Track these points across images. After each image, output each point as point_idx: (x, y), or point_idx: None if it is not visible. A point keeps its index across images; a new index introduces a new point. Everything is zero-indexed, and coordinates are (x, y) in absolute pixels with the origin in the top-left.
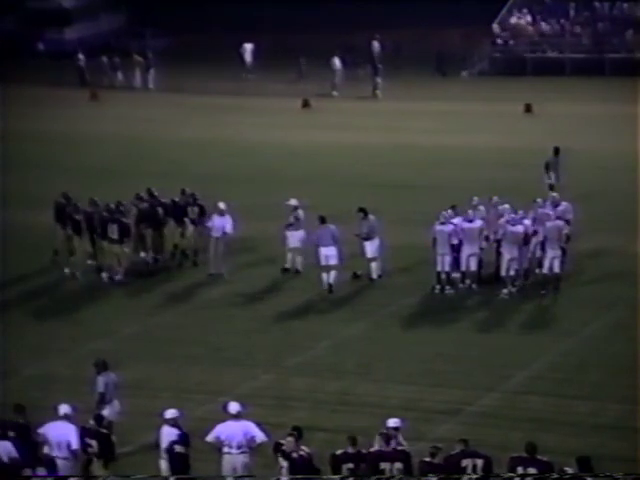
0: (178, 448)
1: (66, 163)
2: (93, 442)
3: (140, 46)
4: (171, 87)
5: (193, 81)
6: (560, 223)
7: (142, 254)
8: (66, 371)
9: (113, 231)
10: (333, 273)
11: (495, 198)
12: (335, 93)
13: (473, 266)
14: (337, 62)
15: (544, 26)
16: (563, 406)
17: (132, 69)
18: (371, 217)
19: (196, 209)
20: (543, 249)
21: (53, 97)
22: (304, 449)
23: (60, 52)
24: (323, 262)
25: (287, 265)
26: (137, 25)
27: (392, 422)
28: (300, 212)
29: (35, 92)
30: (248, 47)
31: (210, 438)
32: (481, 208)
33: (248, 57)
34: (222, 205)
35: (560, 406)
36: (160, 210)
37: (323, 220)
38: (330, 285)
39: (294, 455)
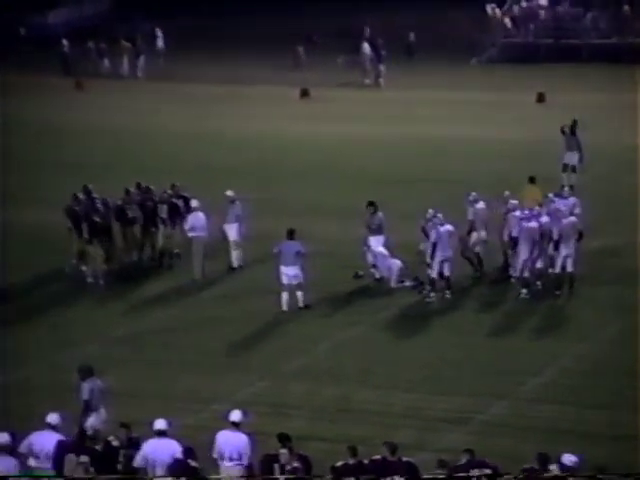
0: (193, 463)
1: (49, 156)
2: (84, 457)
3: (128, 31)
4: (161, 75)
5: (185, 69)
6: (574, 219)
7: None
8: (48, 377)
9: (85, 230)
10: (300, 294)
11: (507, 193)
12: (367, 81)
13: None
14: (367, 47)
15: (558, 9)
16: (577, 415)
17: (120, 56)
18: (380, 213)
19: (165, 207)
20: (557, 247)
21: (36, 85)
22: (301, 453)
23: (43, 37)
24: (284, 281)
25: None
26: (125, 8)
27: (568, 460)
28: (238, 204)
29: (17, 80)
30: (159, 33)
31: (216, 454)
32: (478, 206)
33: (160, 43)
34: (195, 203)
35: (574, 415)
36: (134, 208)
37: (290, 234)
38: (303, 306)
39: (288, 467)
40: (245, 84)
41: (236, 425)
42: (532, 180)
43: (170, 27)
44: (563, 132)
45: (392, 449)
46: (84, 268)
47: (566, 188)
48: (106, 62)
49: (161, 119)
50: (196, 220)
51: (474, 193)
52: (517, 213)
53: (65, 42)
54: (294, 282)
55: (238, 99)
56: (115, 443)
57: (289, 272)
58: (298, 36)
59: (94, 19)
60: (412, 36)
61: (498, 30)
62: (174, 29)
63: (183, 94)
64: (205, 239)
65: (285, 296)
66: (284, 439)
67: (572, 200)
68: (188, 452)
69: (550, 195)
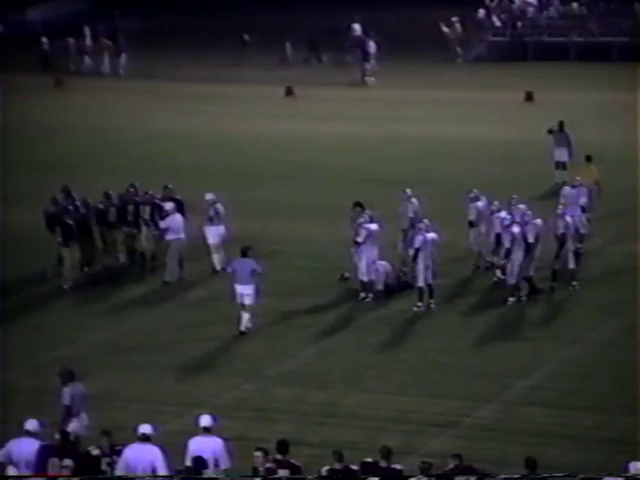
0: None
1: (26, 155)
2: (68, 461)
3: (109, 28)
4: (143, 73)
5: (167, 67)
6: (540, 222)
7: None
8: (27, 381)
9: (58, 233)
10: (246, 316)
11: (475, 191)
12: (372, 79)
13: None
14: (372, 45)
15: (546, 7)
16: (567, 418)
17: (100, 53)
18: (367, 213)
19: (148, 208)
20: (530, 251)
21: (14, 83)
22: (291, 461)
23: (22, 35)
24: (238, 300)
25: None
26: (106, 5)
27: (634, 467)
28: (219, 206)
29: None
30: (87, 31)
31: (190, 462)
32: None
33: (88, 41)
34: (170, 205)
35: (564, 418)
36: (113, 211)
37: (244, 252)
38: (242, 331)
39: (261, 469)
40: (229, 83)
41: (207, 430)
42: (588, 159)
43: (153, 25)
44: (551, 132)
45: (384, 454)
46: (62, 271)
47: (578, 178)
48: (86, 59)
49: (143, 118)
50: (172, 222)
51: (408, 190)
52: (503, 214)
53: (44, 39)
54: (246, 302)
55: (222, 98)
56: (95, 452)
57: (243, 291)
58: (285, 34)
59: (74, 16)
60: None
61: (485, 28)
62: (157, 27)
63: (165, 93)
64: (182, 242)
65: (243, 316)
66: (279, 443)
67: (579, 189)
68: (200, 461)
69: (515, 196)
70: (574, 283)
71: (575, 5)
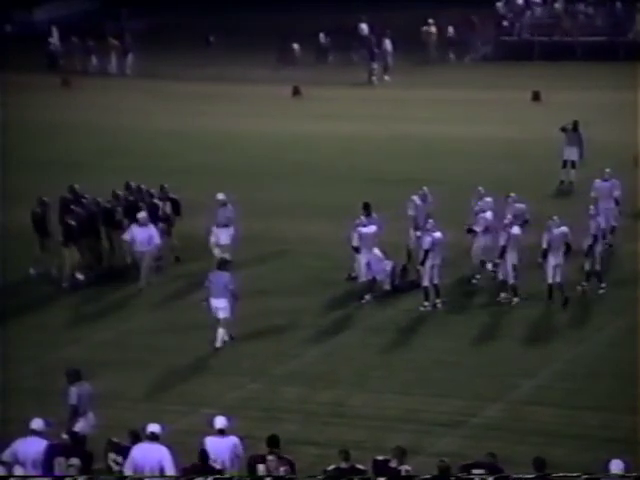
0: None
1: (33, 155)
2: (75, 460)
3: (116, 28)
4: (150, 73)
5: (174, 67)
6: (565, 229)
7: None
8: (32, 381)
9: (58, 232)
10: (221, 331)
11: (480, 189)
12: (387, 78)
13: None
14: (388, 44)
15: (553, 7)
16: (573, 418)
17: (107, 53)
18: (374, 215)
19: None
20: (545, 257)
21: (22, 83)
22: (286, 457)
23: (29, 35)
24: (213, 314)
25: None
26: (113, 5)
27: (616, 465)
28: (230, 207)
29: (2, 77)
30: (55, 32)
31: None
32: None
33: (55, 37)
34: (142, 214)
35: (570, 418)
36: (119, 210)
37: (221, 264)
38: (217, 347)
39: (274, 474)
40: (236, 82)
41: (222, 432)
42: None
43: (160, 24)
44: (564, 130)
45: (397, 454)
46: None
47: (608, 170)
48: (94, 59)
49: (150, 118)
50: (138, 234)
51: (425, 187)
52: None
53: (52, 39)
54: (220, 315)
55: (229, 98)
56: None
57: (217, 304)
58: (294, 34)
59: (81, 16)
60: (322, 37)
61: (491, 28)
62: (164, 26)
63: (173, 92)
64: (153, 253)
65: (220, 332)
66: (273, 444)
67: (612, 182)
68: (204, 455)
69: (512, 194)
70: (594, 284)
71: (581, 4)
